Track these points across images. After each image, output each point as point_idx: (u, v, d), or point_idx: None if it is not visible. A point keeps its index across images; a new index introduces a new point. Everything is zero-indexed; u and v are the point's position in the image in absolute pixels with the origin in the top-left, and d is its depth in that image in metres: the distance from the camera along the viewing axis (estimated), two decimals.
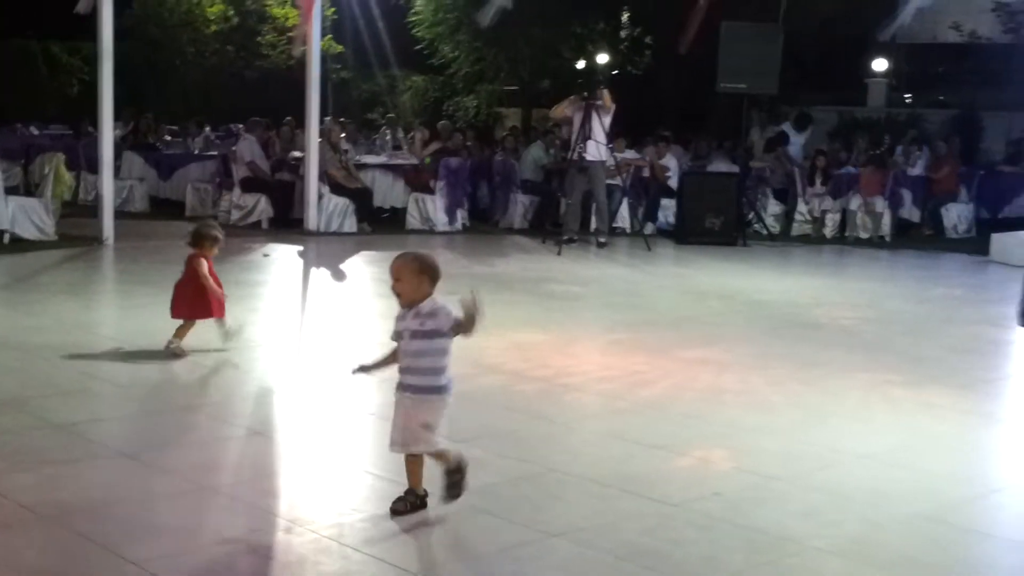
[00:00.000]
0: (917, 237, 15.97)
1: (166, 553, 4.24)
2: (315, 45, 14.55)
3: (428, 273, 4.66)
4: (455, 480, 4.65)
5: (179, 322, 7.23)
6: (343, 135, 15.92)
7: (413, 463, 4.69)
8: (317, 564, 4.22)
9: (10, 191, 12.68)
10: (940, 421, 6.43)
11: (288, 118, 16.88)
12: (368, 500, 4.90)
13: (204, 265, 7.23)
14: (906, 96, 29.55)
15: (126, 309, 8.98)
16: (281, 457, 5.61)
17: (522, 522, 4.63)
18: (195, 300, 7.19)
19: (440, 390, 4.63)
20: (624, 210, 15.60)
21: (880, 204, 15.68)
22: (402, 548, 4.39)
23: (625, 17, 27.59)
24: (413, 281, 4.66)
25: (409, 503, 4.64)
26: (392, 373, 6.84)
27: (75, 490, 4.86)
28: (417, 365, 4.63)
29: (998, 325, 9.63)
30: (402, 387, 4.69)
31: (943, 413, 6.59)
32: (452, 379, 4.68)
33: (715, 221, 14.70)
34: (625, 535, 4.53)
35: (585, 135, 13.74)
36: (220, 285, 7.34)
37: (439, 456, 4.66)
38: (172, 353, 7.13)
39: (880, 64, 28.14)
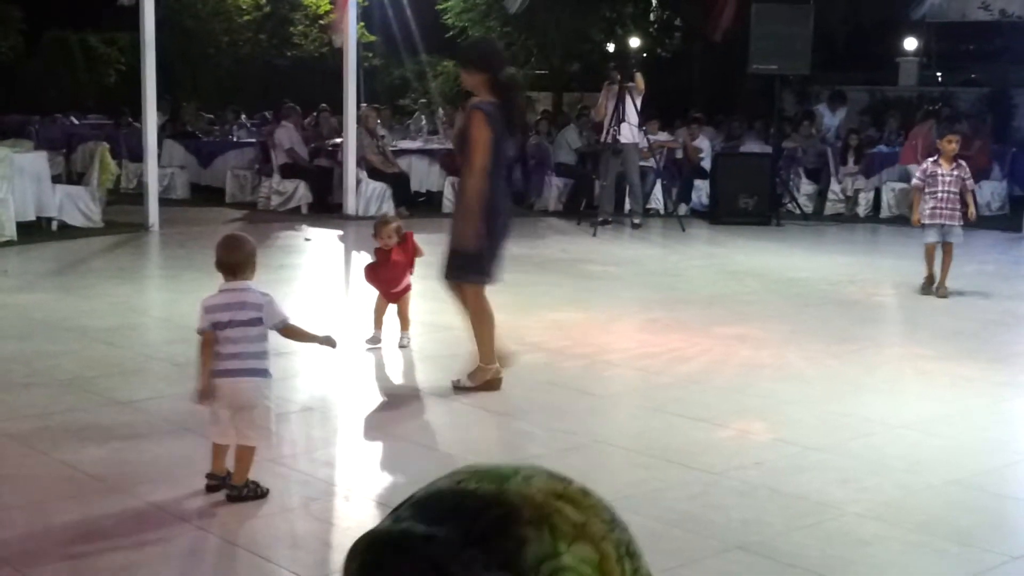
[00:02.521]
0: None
1: (234, 520, 4.48)
2: (351, 33, 14.75)
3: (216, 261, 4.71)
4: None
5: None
6: (379, 121, 16.12)
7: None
8: None
9: (55, 180, 12.94)
10: (972, 393, 6.58)
11: (323, 105, 17.11)
12: (416, 470, 5.11)
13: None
14: (937, 75, 29.45)
15: (176, 292, 9.23)
16: (334, 431, 5.83)
17: None
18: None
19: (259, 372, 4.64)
20: (658, 192, 15.74)
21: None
22: None
23: (654, 0, 27.63)
24: None
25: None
26: (453, 349, 7.04)
27: (142, 462, 5.11)
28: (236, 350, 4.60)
29: None
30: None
31: (975, 385, 6.74)
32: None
33: (748, 201, 14.80)
34: (669, 502, 4.72)
35: (619, 118, 13.87)
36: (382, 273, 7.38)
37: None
38: None
39: (910, 43, 28.07)
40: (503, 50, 6.47)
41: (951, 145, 9.60)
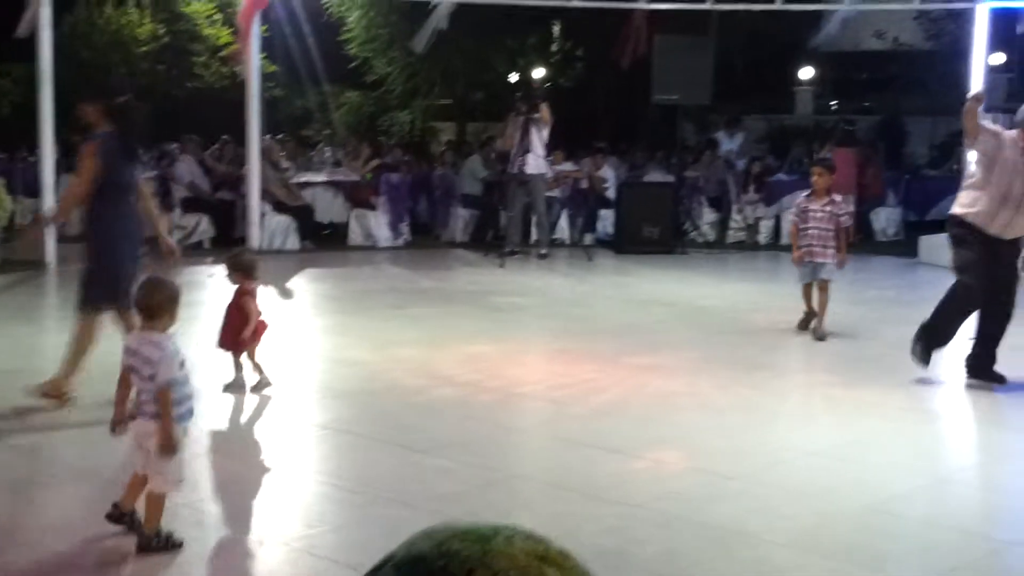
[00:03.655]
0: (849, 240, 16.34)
1: (147, 570, 4.34)
2: (254, 64, 14.61)
3: None
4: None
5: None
6: (283, 153, 15.97)
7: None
8: None
9: None
10: (881, 418, 6.70)
11: (226, 137, 16.90)
12: (332, 511, 5.02)
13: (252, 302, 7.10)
14: (832, 103, 30.22)
15: None
16: (243, 473, 5.70)
17: None
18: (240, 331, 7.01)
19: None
20: (563, 222, 15.85)
21: None
22: (374, 557, 4.51)
23: (556, 30, 27.88)
24: None
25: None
26: (363, 385, 6.96)
27: (44, 510, 4.93)
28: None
29: None
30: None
31: (883, 411, 6.86)
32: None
33: (653, 230, 14.96)
34: (588, 536, 4.69)
35: (524, 148, 13.94)
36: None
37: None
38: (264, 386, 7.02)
39: (806, 72, 28.78)
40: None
41: (819, 178, 9.10)
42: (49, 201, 12.79)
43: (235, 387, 7.01)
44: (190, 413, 4.58)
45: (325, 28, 24.83)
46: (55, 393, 6.50)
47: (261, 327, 7.15)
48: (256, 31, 14.71)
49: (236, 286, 7.16)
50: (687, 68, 14.78)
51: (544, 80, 24.45)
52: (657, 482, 5.44)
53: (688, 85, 14.92)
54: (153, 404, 4.41)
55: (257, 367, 7.08)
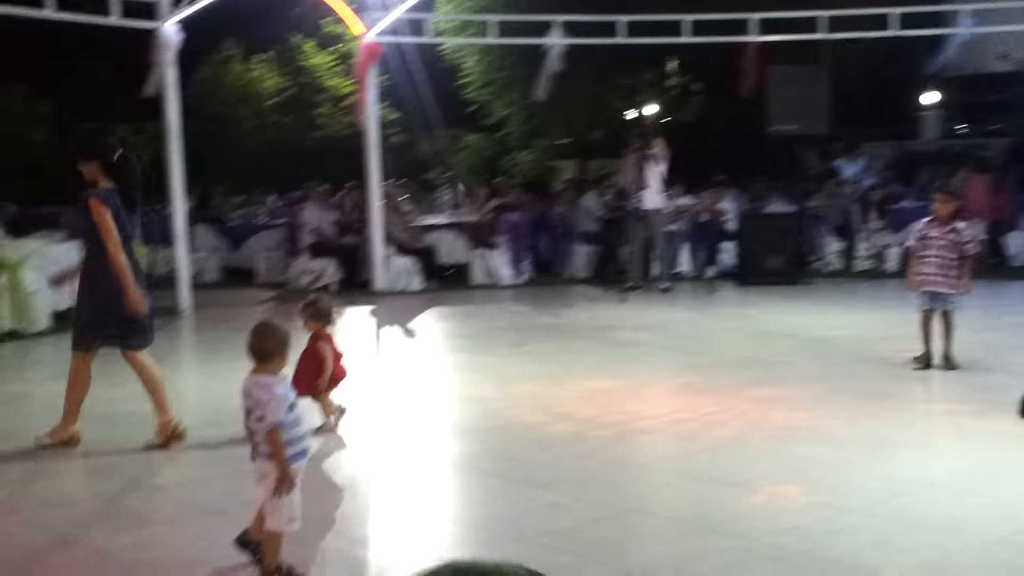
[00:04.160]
0: (980, 267, 15.88)
1: None
2: (372, 113, 14.94)
3: None
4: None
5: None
6: (405, 196, 16.28)
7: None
8: None
9: None
10: (1010, 449, 6.49)
11: (348, 184, 17.30)
12: (454, 548, 5.08)
13: (328, 347, 7.20)
14: (960, 127, 29.50)
15: (208, 376, 9.27)
16: (369, 508, 5.82)
17: (603, 562, 4.78)
18: (316, 376, 7.11)
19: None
20: (685, 255, 15.79)
21: None
22: None
23: (673, 65, 27.85)
24: None
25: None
26: (485, 422, 7.05)
27: (172, 548, 5.10)
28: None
29: None
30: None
31: (1013, 441, 6.65)
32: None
33: (776, 261, 14.80)
34: (703, 571, 4.67)
35: (641, 184, 13.97)
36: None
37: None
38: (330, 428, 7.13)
39: (931, 97, 28.17)
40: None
41: (941, 205, 8.78)
42: (181, 251, 13.25)
43: (325, 430, 7.09)
44: (303, 454, 4.65)
45: (443, 74, 25.27)
46: (64, 438, 6.81)
47: (340, 372, 7.25)
48: (373, 81, 15.04)
49: (311, 333, 7.22)
50: (802, 97, 14.68)
51: (657, 116, 24.46)
52: (775, 516, 5.37)
53: (804, 114, 14.82)
54: (265, 444, 4.51)
55: (329, 405, 7.21)
